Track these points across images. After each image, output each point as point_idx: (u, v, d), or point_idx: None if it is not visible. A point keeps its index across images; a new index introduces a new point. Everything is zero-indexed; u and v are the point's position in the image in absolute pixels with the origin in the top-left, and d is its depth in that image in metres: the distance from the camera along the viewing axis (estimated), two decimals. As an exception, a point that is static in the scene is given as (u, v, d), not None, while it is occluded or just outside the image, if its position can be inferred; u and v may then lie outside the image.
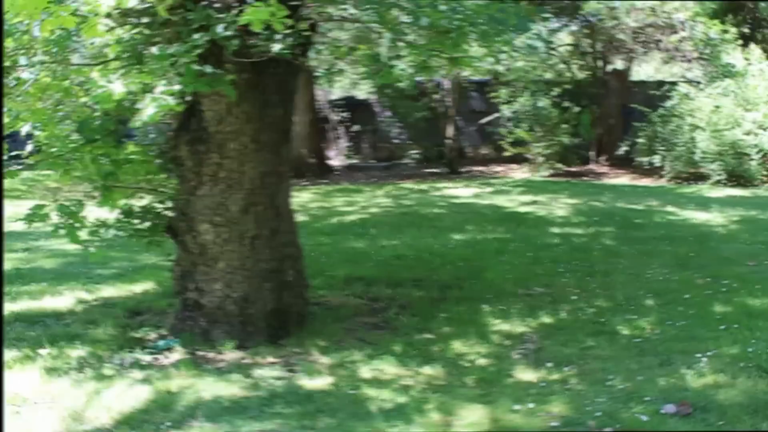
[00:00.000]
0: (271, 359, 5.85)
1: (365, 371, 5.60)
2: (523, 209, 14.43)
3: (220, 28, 4.75)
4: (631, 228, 11.94)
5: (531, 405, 4.91)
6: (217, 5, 5.36)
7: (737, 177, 17.74)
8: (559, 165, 20.82)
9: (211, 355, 5.95)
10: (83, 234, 5.75)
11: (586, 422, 4.66)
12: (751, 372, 5.44)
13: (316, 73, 17.39)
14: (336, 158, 26.21)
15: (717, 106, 18.03)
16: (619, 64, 24.07)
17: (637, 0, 19.27)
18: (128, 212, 6.33)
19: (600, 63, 23.40)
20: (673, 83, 21.14)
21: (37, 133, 5.87)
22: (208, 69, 4.87)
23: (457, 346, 6.15)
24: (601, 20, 20.14)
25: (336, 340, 6.36)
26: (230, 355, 5.94)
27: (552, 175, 20.73)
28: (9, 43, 4.91)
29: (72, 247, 10.00)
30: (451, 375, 5.53)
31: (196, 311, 6.23)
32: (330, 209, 14.98)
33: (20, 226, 11.32)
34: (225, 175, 5.92)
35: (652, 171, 20.33)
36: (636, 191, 17.21)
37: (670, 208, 14.14)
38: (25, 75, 4.99)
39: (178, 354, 5.97)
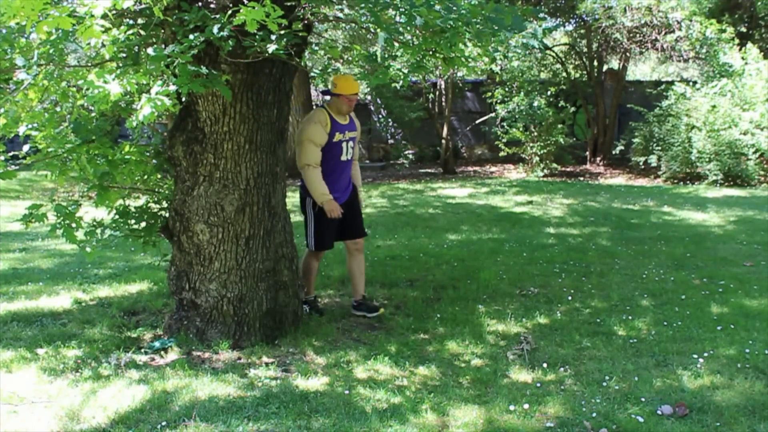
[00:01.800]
0: (266, 359, 5.85)
1: (360, 371, 5.60)
2: (518, 209, 14.46)
3: (215, 29, 4.74)
4: (627, 228, 11.96)
5: (526, 405, 4.91)
6: (212, 6, 5.37)
7: (734, 177, 17.79)
8: (555, 165, 20.87)
9: (206, 355, 5.95)
10: (80, 234, 5.75)
11: (581, 423, 4.66)
12: (748, 373, 5.46)
13: (311, 73, 17.39)
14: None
15: (714, 106, 18.08)
16: (614, 63, 24.13)
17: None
18: (124, 212, 6.34)
19: (596, 63, 23.45)
20: (670, 83, 21.20)
21: (34, 133, 5.87)
22: (204, 69, 4.87)
23: (452, 346, 6.15)
24: (596, 20, 20.16)
25: (331, 340, 6.37)
26: (226, 355, 5.94)
27: (547, 175, 20.77)
28: (5, 46, 4.91)
29: (68, 247, 10.09)
30: (446, 375, 5.53)
31: (191, 311, 6.23)
32: (326, 209, 14.96)
33: (17, 227, 11.43)
34: (220, 176, 5.91)
35: (648, 171, 20.40)
36: (632, 191, 17.24)
37: (666, 209, 14.18)
38: (22, 77, 4.98)
39: (173, 354, 5.97)
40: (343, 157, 6.92)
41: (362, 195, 7.62)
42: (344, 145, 6.88)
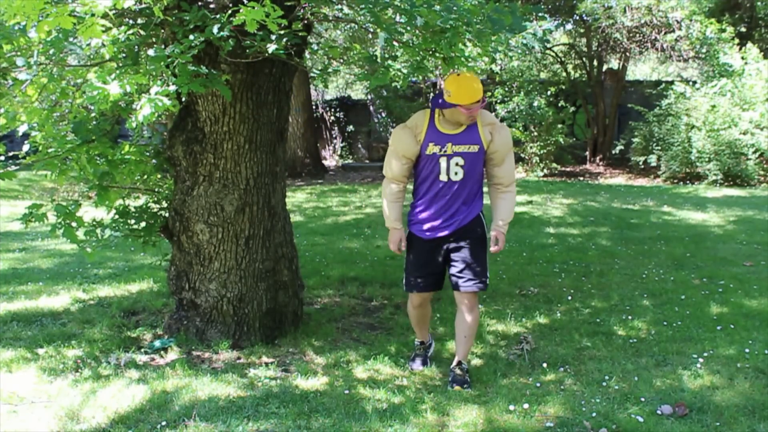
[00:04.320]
0: (266, 359, 5.86)
1: (360, 371, 5.61)
2: (518, 209, 14.44)
3: (215, 29, 4.74)
4: (626, 228, 11.96)
5: (526, 405, 4.91)
6: (212, 6, 5.37)
7: (734, 177, 17.79)
8: (555, 165, 20.86)
9: (206, 354, 5.95)
10: (80, 234, 5.74)
11: (581, 423, 4.66)
12: (747, 373, 5.46)
13: (311, 73, 17.41)
14: (331, 158, 26.25)
15: (713, 106, 18.08)
16: (614, 63, 24.12)
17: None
18: (124, 212, 6.34)
19: (595, 63, 23.44)
20: (670, 83, 21.19)
21: (34, 133, 5.87)
22: (204, 69, 4.87)
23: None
24: (596, 19, 20.16)
25: (331, 340, 6.37)
26: (225, 354, 5.94)
27: (547, 175, 20.75)
28: (5, 45, 4.91)
29: (68, 247, 10.09)
30: (446, 375, 5.52)
31: (191, 311, 6.23)
32: (325, 209, 14.99)
33: (17, 227, 11.42)
34: (220, 175, 5.92)
35: (648, 171, 20.39)
36: (632, 191, 17.24)
37: (666, 208, 14.17)
38: (22, 76, 4.98)
39: (173, 354, 5.98)
40: (443, 177, 5.30)
41: (498, 233, 5.49)
42: (443, 161, 5.26)
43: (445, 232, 5.38)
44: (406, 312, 7.02)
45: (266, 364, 5.73)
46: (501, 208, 5.51)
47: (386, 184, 5.58)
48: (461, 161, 5.24)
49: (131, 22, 5.25)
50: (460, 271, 5.43)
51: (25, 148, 5.86)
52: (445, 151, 5.23)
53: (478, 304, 5.66)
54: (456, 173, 5.27)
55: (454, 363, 5.53)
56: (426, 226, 5.44)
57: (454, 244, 5.42)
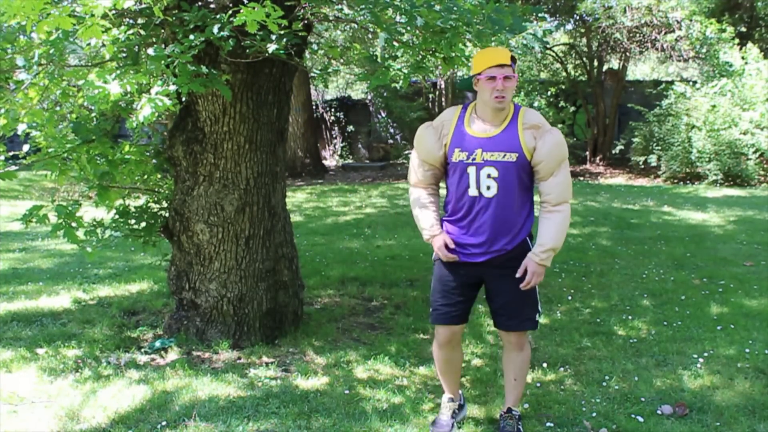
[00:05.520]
0: (266, 359, 5.85)
1: (360, 371, 5.60)
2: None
3: (215, 29, 4.74)
4: (627, 228, 11.95)
5: (526, 405, 4.92)
6: (212, 6, 5.37)
7: (734, 177, 17.77)
8: (555, 165, 20.79)
9: (206, 354, 5.95)
10: (80, 234, 5.74)
11: (581, 423, 4.66)
12: (747, 373, 5.46)
13: (311, 73, 17.40)
14: (331, 158, 26.22)
15: (714, 106, 18.05)
16: (614, 63, 24.09)
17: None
18: (124, 212, 6.33)
19: (596, 63, 23.42)
20: (670, 82, 21.17)
21: (34, 133, 5.87)
22: (204, 69, 4.87)
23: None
24: (596, 19, 20.15)
25: (331, 340, 6.37)
26: (225, 354, 5.94)
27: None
28: (6, 45, 4.91)
29: (68, 247, 10.08)
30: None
31: (191, 311, 6.23)
32: (325, 209, 14.98)
33: (17, 227, 11.41)
34: (220, 175, 5.92)
35: (648, 171, 20.35)
36: (632, 191, 17.22)
37: (666, 208, 14.16)
38: (22, 76, 4.98)
39: (173, 354, 5.97)
40: (472, 191, 4.28)
41: (530, 263, 4.40)
42: (471, 171, 4.26)
43: (480, 260, 4.39)
44: (406, 312, 7.07)
45: (266, 364, 5.73)
46: (542, 232, 4.40)
47: (412, 192, 4.61)
48: (494, 172, 4.22)
49: (131, 22, 5.25)
50: (501, 308, 4.52)
51: (26, 148, 5.86)
52: (474, 159, 4.24)
53: (528, 341, 4.69)
54: (489, 187, 4.25)
55: (504, 410, 4.66)
56: (456, 246, 4.41)
57: (492, 273, 4.46)
